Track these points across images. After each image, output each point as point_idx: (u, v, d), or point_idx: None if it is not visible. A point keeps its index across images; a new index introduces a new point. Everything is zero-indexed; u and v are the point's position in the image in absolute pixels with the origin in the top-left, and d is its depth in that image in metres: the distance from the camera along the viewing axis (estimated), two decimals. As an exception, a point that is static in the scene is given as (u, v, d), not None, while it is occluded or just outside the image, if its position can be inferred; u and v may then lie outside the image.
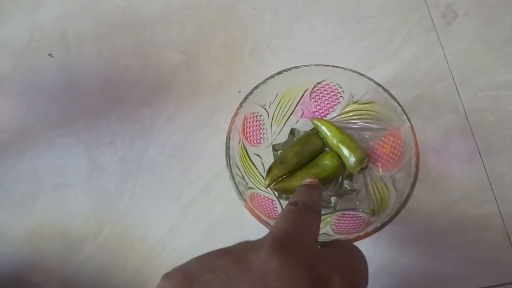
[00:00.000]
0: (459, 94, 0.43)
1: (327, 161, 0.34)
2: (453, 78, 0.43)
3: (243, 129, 0.34)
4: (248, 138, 0.35)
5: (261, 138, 0.37)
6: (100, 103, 0.45)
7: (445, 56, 0.44)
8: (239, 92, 0.44)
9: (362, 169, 0.35)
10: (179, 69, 0.46)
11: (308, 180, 0.29)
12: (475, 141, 0.41)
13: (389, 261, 0.38)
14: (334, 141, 0.35)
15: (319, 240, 0.26)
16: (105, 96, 0.45)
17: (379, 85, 0.32)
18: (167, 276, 0.17)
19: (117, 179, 0.42)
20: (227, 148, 0.32)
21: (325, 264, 0.17)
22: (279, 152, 0.37)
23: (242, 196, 0.30)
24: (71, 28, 0.48)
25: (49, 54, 0.47)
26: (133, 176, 0.42)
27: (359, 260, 0.21)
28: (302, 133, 0.38)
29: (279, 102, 0.36)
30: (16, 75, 0.46)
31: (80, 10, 0.49)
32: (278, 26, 0.47)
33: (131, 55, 0.46)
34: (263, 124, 0.36)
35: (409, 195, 0.29)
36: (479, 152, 0.41)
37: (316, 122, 0.36)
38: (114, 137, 0.43)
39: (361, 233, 0.28)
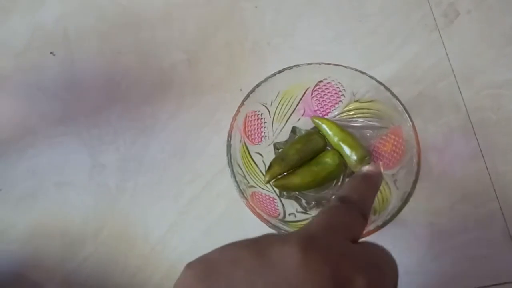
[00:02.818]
0: (461, 93, 0.43)
1: (328, 159, 0.34)
2: (455, 77, 0.43)
3: (245, 127, 0.34)
4: (250, 137, 0.35)
5: (262, 136, 0.37)
6: (101, 102, 0.45)
7: (447, 55, 0.44)
8: (241, 90, 0.44)
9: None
10: (180, 68, 0.46)
11: (370, 169, 0.24)
12: (477, 140, 0.41)
13: (390, 260, 0.38)
14: (335, 140, 0.35)
15: None
16: (107, 95, 0.45)
17: (380, 83, 0.32)
18: (190, 265, 0.17)
19: (118, 177, 0.42)
20: (229, 146, 0.32)
21: (350, 264, 0.16)
22: (280, 151, 0.37)
23: (244, 195, 0.30)
24: (72, 26, 0.48)
25: (51, 53, 0.47)
26: (134, 174, 0.42)
27: (389, 263, 0.20)
28: (303, 132, 0.38)
29: (281, 101, 0.36)
30: (18, 73, 0.46)
31: (82, 8, 0.49)
32: (279, 24, 0.47)
33: (133, 54, 0.46)
34: (265, 122, 0.36)
35: (410, 194, 0.29)
36: (481, 151, 0.40)
37: (316, 120, 0.36)
38: (115, 135, 0.43)
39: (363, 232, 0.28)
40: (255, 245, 0.17)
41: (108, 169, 0.42)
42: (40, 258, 0.40)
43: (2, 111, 0.45)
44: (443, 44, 0.45)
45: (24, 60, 0.47)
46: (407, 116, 0.31)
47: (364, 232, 0.28)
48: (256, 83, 0.33)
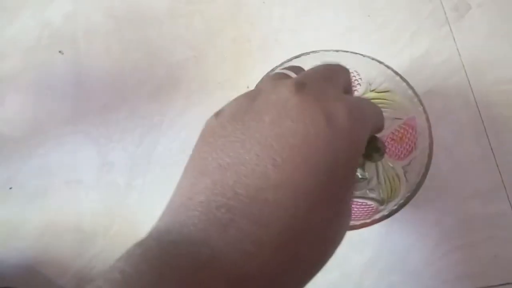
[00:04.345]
0: (471, 89, 0.42)
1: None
2: (465, 73, 0.43)
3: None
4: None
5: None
6: (109, 99, 0.45)
7: (458, 50, 0.43)
8: (248, 87, 0.44)
9: (379, 158, 0.35)
10: (187, 65, 0.45)
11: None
12: (488, 138, 0.40)
13: (398, 259, 0.37)
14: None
15: None
16: (115, 92, 0.45)
17: (396, 73, 0.31)
18: (216, 114, 0.21)
19: (127, 175, 0.42)
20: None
21: (336, 102, 0.19)
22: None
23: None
24: (80, 24, 0.48)
25: (60, 51, 0.47)
26: (142, 172, 0.42)
27: (372, 108, 0.23)
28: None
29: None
30: (27, 72, 0.47)
31: (90, 6, 0.49)
32: (287, 20, 0.46)
33: (140, 51, 0.46)
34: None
35: (419, 184, 0.29)
36: (492, 149, 0.40)
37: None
38: (123, 133, 0.44)
39: (368, 220, 0.28)
40: (253, 92, 0.20)
41: (116, 167, 0.42)
42: (51, 255, 0.40)
43: (12, 109, 0.46)
44: (454, 39, 0.44)
45: (33, 58, 0.47)
46: (422, 108, 0.30)
47: (369, 221, 0.28)
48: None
